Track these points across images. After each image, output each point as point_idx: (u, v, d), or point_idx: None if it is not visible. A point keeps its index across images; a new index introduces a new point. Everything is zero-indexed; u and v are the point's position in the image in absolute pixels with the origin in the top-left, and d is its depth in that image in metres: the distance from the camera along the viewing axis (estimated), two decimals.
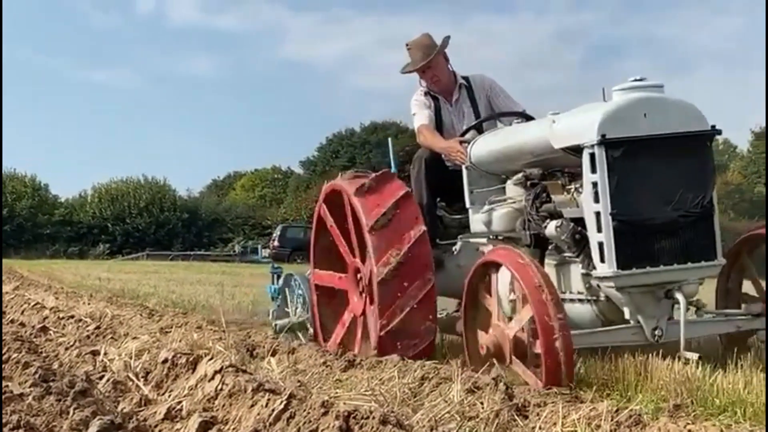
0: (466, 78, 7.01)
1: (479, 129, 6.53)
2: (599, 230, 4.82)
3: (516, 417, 3.55)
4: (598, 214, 4.83)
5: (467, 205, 6.24)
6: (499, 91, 7.00)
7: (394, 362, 4.99)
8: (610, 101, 4.96)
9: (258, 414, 3.65)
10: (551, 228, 5.21)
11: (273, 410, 3.60)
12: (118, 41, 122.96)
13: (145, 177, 66.32)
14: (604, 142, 4.76)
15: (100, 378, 4.95)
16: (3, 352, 5.70)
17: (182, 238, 61.55)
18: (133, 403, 4.31)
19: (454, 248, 6.56)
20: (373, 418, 3.19)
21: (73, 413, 3.77)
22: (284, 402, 3.60)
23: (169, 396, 4.42)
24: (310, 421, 3.36)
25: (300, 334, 7.27)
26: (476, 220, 6.14)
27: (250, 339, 6.74)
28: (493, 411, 3.54)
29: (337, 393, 4.06)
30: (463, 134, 6.53)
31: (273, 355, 5.80)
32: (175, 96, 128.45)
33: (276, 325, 7.56)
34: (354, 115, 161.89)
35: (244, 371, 4.32)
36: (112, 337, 6.77)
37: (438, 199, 6.78)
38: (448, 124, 6.89)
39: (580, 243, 5.05)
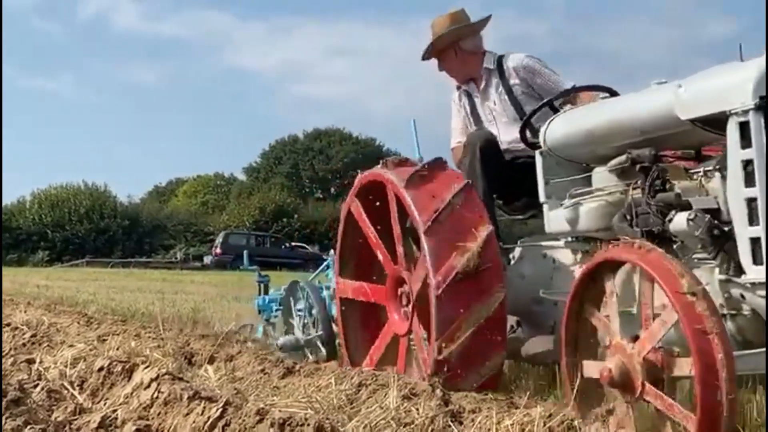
0: (499, 58, 5.94)
1: (553, 109, 5.23)
2: (752, 222, 3.66)
3: (451, 423, 3.56)
4: (751, 201, 3.66)
5: (542, 199, 4.97)
6: (539, 69, 5.86)
7: (332, 369, 5.00)
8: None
9: (193, 422, 3.64)
10: (680, 222, 3.95)
11: (208, 418, 3.58)
12: (58, 48, 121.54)
13: (86, 183, 65.62)
14: (763, 106, 3.62)
15: (35, 387, 4.89)
16: None
17: (123, 245, 60.92)
18: (67, 411, 4.27)
19: (512, 255, 5.59)
20: (308, 425, 3.20)
21: (5, 422, 3.73)
22: (220, 410, 3.59)
23: (104, 404, 4.38)
24: (246, 429, 3.36)
25: (309, 353, 6.61)
26: (555, 218, 4.90)
27: (189, 347, 6.69)
28: (429, 417, 3.56)
29: (273, 400, 4.05)
30: (523, 124, 5.27)
31: (211, 362, 5.77)
32: (117, 102, 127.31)
33: (280, 342, 6.78)
34: (297, 122, 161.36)
35: (181, 379, 4.30)
36: (48, 345, 6.68)
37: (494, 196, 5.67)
38: (484, 119, 5.97)
39: (718, 240, 3.85)
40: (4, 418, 3.79)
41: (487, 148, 5.52)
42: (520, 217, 5.77)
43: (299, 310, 6.88)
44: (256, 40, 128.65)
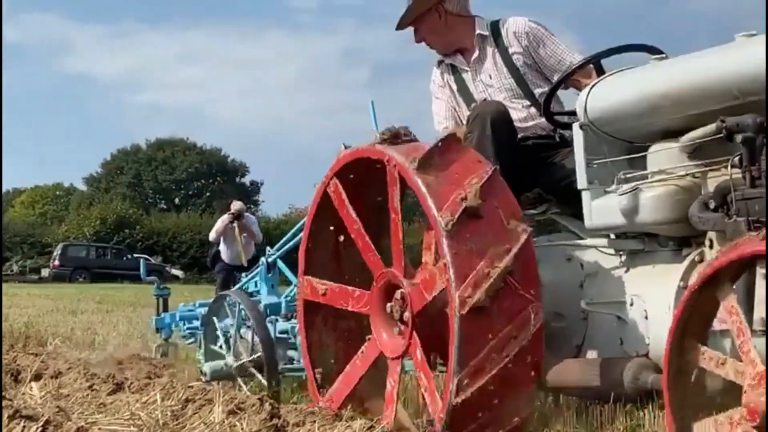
0: (494, 24, 4.96)
1: (600, 70, 4.32)
2: None
3: None
4: None
5: (582, 185, 3.98)
6: (544, 37, 4.87)
7: (162, 384, 4.95)
8: None
9: None
10: None
11: None
12: None
13: None
14: None
15: None
16: None
17: None
18: None
19: None
20: None
21: None
22: (40, 428, 3.54)
23: None
24: None
25: (241, 381, 5.68)
26: (602, 209, 3.91)
27: (16, 363, 6.50)
28: (252, 431, 3.58)
29: (97, 418, 3.99)
30: (548, 96, 4.45)
31: (37, 379, 5.63)
32: None
33: (205, 369, 5.87)
34: (140, 131, 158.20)
35: (3, 397, 4.19)
36: None
37: None
38: (477, 96, 4.91)
39: None
40: None
41: (500, 123, 4.44)
42: (533, 211, 4.67)
43: (224, 329, 6.02)
44: (97, 46, 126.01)
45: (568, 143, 4.42)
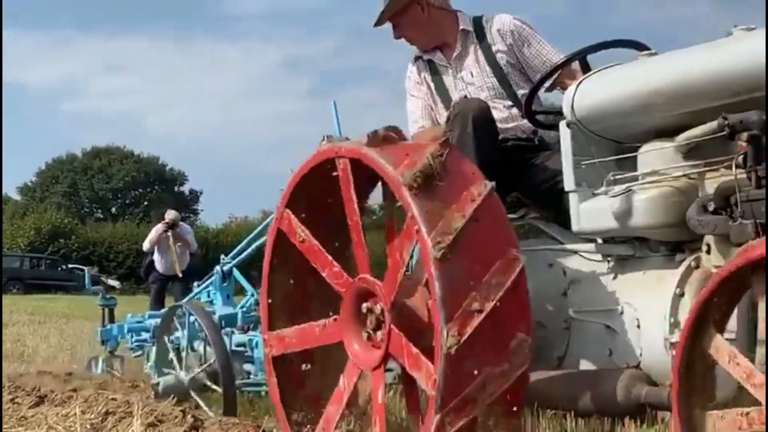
0: (477, 20, 4.77)
1: (586, 68, 4.08)
2: None
3: None
4: None
5: (569, 187, 3.77)
6: (530, 36, 4.68)
7: (84, 397, 4.90)
8: None
9: None
10: None
11: None
12: None
13: None
14: None
15: None
16: None
17: None
18: None
19: None
20: None
21: None
22: None
23: None
24: None
25: (199, 399, 5.25)
26: (591, 212, 3.69)
27: None
28: None
29: (16, 431, 3.95)
30: (530, 95, 4.32)
31: None
32: None
33: (159, 386, 5.42)
34: (75, 140, 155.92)
35: None
36: None
37: None
38: (456, 95, 4.66)
39: None
40: None
41: (482, 121, 4.20)
42: (513, 216, 4.29)
43: (174, 342, 5.68)
44: (30, 54, 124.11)
45: (548, 146, 4.37)
